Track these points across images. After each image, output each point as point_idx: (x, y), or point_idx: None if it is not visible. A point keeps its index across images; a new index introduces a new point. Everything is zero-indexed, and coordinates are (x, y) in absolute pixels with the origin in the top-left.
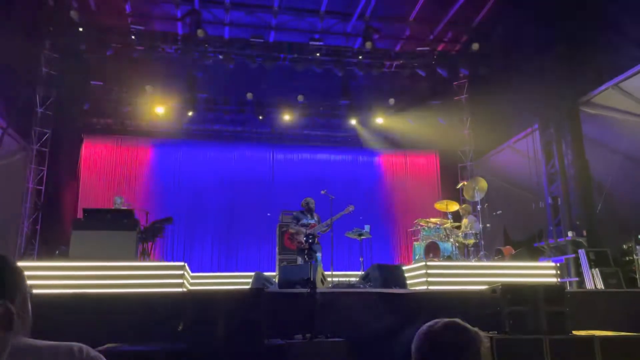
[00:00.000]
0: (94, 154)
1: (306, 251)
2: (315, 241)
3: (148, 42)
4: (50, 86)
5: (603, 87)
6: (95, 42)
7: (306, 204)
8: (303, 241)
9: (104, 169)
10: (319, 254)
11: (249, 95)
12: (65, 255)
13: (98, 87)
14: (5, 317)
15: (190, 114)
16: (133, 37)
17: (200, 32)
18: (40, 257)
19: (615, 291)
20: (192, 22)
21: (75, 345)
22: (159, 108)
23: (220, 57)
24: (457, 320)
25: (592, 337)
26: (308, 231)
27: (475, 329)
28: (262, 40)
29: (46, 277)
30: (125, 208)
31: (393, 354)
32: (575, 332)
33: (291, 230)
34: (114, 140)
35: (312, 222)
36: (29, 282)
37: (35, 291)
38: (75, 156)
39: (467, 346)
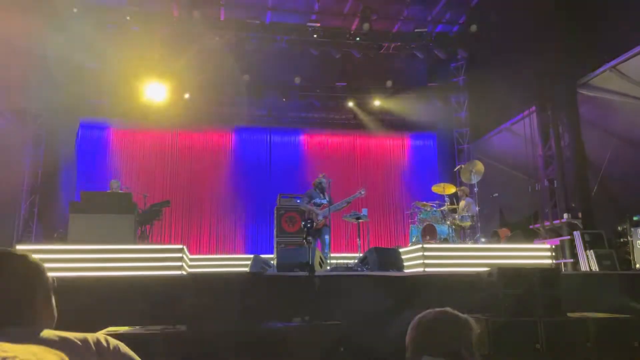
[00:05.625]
0: (91, 136)
1: (306, 234)
2: (326, 223)
3: (143, 23)
4: (45, 67)
5: (601, 69)
6: (89, 23)
7: (319, 182)
8: (318, 220)
9: (101, 151)
10: (327, 237)
11: (246, 77)
12: (63, 238)
13: (94, 69)
14: None
15: (186, 96)
16: (128, 17)
17: (196, 13)
18: (38, 240)
19: (609, 273)
20: (188, 2)
21: (100, 335)
22: (156, 90)
23: (217, 38)
24: (448, 309)
25: (586, 319)
26: (318, 211)
27: (465, 316)
28: (258, 22)
29: (44, 260)
30: (122, 191)
31: (390, 336)
32: (569, 314)
33: (303, 208)
34: (110, 123)
35: (324, 202)
36: None
37: None
38: (72, 138)
39: (458, 334)
